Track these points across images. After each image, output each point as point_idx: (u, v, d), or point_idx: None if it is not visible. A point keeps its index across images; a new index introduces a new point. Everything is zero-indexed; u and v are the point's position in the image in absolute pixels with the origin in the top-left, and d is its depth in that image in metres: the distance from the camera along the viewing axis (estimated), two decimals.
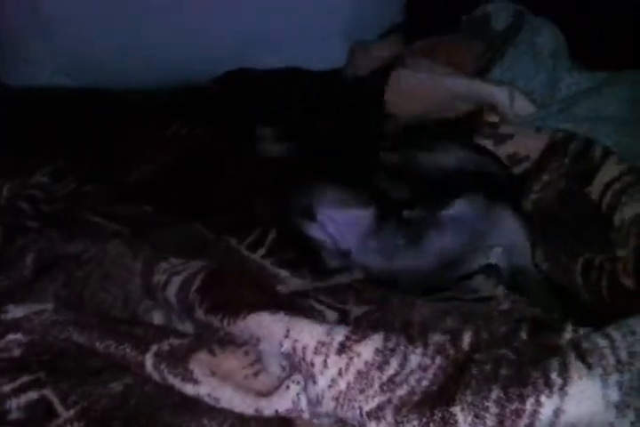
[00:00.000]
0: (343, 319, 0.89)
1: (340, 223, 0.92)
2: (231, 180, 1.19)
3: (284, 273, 1.00)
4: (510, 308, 0.89)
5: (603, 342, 0.66)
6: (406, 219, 0.91)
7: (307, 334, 0.69)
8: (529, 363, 0.71)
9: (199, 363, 0.76)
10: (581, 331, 0.78)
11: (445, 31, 1.38)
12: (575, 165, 1.01)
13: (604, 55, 1.24)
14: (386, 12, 1.51)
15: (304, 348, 0.69)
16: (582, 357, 0.65)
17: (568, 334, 0.77)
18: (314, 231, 0.93)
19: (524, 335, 0.82)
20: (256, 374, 0.76)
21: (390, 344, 0.70)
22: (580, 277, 0.89)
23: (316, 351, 0.68)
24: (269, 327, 0.72)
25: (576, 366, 0.64)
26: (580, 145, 1.03)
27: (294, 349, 0.69)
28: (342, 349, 0.68)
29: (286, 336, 0.70)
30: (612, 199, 0.95)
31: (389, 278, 0.92)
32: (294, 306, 0.89)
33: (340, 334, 0.69)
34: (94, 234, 1.02)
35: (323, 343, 0.68)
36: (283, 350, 0.70)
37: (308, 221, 0.93)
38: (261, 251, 1.04)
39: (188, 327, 0.87)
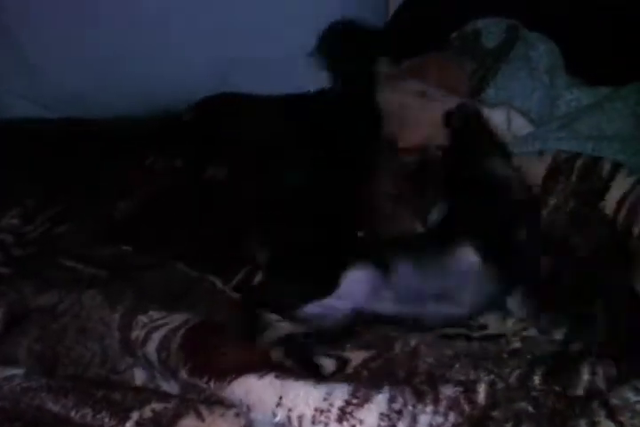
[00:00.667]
0: (341, 369, 0.82)
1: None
2: (213, 216, 1.12)
3: (273, 316, 0.93)
4: (521, 347, 0.82)
5: (633, 398, 0.59)
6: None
7: (302, 400, 0.62)
8: (551, 418, 0.65)
9: None
10: (600, 371, 0.73)
11: (433, 50, 1.33)
12: (583, 182, 0.95)
13: (602, 70, 1.18)
14: None
15: (300, 417, 0.61)
16: (612, 414, 0.59)
17: (585, 377, 0.73)
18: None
19: (537, 380, 0.75)
20: None
21: (396, 406, 0.63)
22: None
23: (313, 421, 0.61)
24: (259, 394, 0.64)
25: (606, 426, 0.57)
26: (587, 161, 0.97)
27: (289, 418, 0.62)
28: (343, 415, 0.61)
29: (279, 404, 0.63)
30: (630, 212, 0.89)
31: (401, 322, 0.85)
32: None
33: (339, 399, 0.62)
34: (68, 283, 0.95)
35: (321, 411, 0.61)
36: (276, 420, 0.62)
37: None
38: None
39: (172, 386, 0.79)
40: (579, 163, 0.97)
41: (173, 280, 1.02)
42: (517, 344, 0.82)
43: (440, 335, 0.84)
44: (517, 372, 0.76)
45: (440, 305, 0.84)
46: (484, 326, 0.86)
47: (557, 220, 0.95)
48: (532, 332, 0.83)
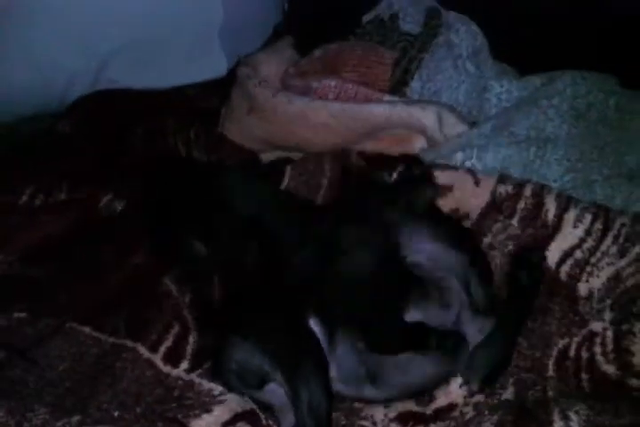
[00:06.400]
0: None
1: None
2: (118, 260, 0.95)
3: (219, 388, 0.80)
4: (475, 415, 0.75)
5: None
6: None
7: None
8: None
9: None
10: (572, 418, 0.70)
11: (340, 32, 1.17)
12: (526, 228, 0.87)
13: (530, 53, 1.09)
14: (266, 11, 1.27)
15: None
16: None
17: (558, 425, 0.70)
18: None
19: None
20: None
21: None
22: (554, 370, 0.78)
23: None
24: None
25: None
26: (529, 204, 0.88)
27: None
28: None
29: None
30: (574, 269, 0.83)
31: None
32: None
33: None
34: None
35: None
36: None
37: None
38: (184, 363, 0.83)
39: None
40: (521, 204, 0.88)
41: (84, 352, 0.86)
42: (471, 413, 0.76)
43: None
44: None
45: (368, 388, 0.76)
46: (430, 399, 0.78)
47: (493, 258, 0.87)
48: (480, 397, 0.77)
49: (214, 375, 0.78)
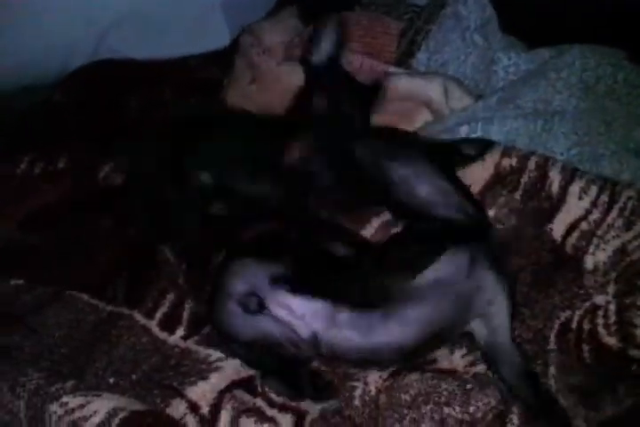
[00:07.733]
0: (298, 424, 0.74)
1: (295, 308, 0.74)
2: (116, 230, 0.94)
3: (216, 354, 0.80)
4: (473, 385, 0.74)
5: None
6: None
7: None
8: None
9: None
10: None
11: (346, 2, 1.15)
12: (529, 201, 0.86)
13: (539, 26, 1.07)
14: None
15: None
16: None
17: None
18: (263, 325, 0.74)
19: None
20: None
21: None
22: (555, 343, 0.77)
23: None
24: None
25: None
26: (533, 177, 0.86)
27: None
28: None
29: None
30: (580, 241, 0.82)
31: (364, 357, 0.76)
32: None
33: None
34: None
35: None
36: None
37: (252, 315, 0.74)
38: (180, 330, 0.83)
39: None
40: (525, 178, 0.86)
41: (82, 319, 0.85)
42: (470, 383, 0.74)
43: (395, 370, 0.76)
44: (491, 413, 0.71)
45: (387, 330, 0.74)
46: (433, 361, 0.78)
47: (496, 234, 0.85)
48: (481, 367, 0.77)
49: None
